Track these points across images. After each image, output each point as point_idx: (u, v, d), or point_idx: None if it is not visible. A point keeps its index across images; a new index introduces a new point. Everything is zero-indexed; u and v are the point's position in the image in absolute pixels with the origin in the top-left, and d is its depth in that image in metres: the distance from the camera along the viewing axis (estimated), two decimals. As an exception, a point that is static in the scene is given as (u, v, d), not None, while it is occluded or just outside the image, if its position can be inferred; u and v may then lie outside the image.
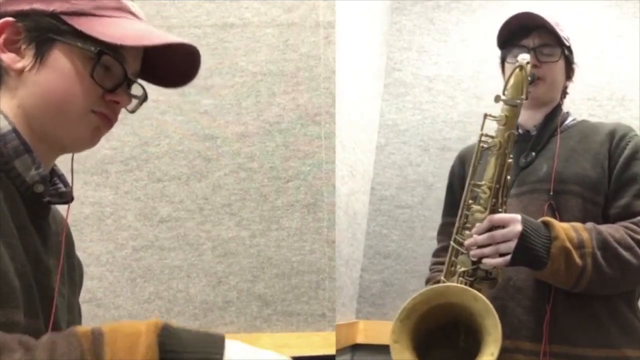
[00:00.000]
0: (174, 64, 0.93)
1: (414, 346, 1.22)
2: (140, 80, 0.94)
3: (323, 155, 2.03)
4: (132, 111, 0.93)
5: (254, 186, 2.01)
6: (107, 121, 0.89)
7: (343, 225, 2.18)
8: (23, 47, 0.83)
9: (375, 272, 2.49)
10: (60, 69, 0.83)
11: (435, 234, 2.53)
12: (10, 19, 0.82)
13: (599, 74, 2.44)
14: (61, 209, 0.97)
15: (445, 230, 1.57)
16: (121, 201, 1.98)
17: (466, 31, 2.62)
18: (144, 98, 0.94)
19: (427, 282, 1.55)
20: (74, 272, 0.99)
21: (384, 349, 2.41)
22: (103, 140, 2.23)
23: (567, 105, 1.57)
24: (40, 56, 0.83)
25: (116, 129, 2.04)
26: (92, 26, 0.84)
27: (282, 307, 1.98)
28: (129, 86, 0.90)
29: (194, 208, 2.00)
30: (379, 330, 2.41)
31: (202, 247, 1.98)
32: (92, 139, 0.90)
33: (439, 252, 1.58)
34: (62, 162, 0.95)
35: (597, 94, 2.43)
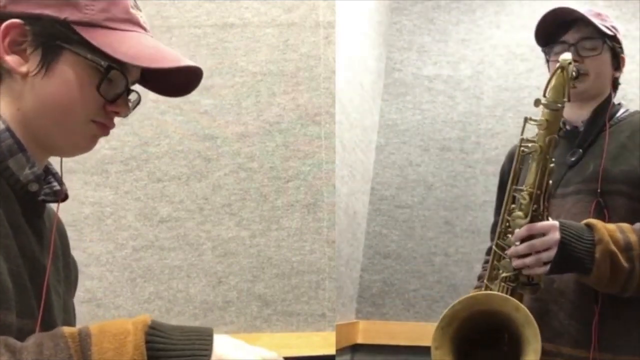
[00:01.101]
0: (176, 77, 0.92)
1: (455, 352, 1.21)
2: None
3: (323, 155, 2.03)
4: (125, 116, 0.93)
5: (254, 186, 2.01)
6: (105, 129, 0.89)
7: (343, 225, 2.18)
8: (28, 50, 0.82)
9: (375, 272, 2.49)
10: (66, 78, 0.83)
11: (435, 233, 2.54)
12: (17, 20, 0.81)
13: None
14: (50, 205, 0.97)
15: (496, 229, 1.55)
16: (121, 201, 1.98)
17: (466, 31, 2.62)
18: (138, 102, 0.94)
19: (479, 279, 1.54)
20: (69, 271, 0.99)
21: (384, 349, 2.42)
22: (103, 141, 2.23)
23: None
24: (46, 63, 0.82)
25: (116, 129, 2.04)
26: (104, 40, 0.83)
27: (282, 307, 1.98)
28: (128, 94, 0.90)
29: (194, 208, 2.00)
30: (378, 330, 2.41)
31: (202, 247, 1.98)
32: (88, 146, 0.89)
33: (490, 251, 1.57)
34: (54, 160, 0.95)
35: (597, 94, 2.43)
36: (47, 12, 0.82)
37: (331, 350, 1.92)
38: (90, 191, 1.97)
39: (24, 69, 0.82)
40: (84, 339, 0.68)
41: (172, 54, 0.88)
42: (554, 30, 1.43)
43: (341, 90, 2.11)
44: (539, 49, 2.13)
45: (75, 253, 1.06)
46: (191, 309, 1.96)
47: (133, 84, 0.91)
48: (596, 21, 1.40)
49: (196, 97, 2.02)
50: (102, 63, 0.83)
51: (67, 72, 0.83)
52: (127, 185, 1.99)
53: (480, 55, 2.62)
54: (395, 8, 2.69)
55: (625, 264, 1.21)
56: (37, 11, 0.82)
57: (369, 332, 2.40)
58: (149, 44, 0.88)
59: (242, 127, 2.03)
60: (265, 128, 2.04)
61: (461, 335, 1.22)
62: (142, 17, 0.90)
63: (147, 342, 0.69)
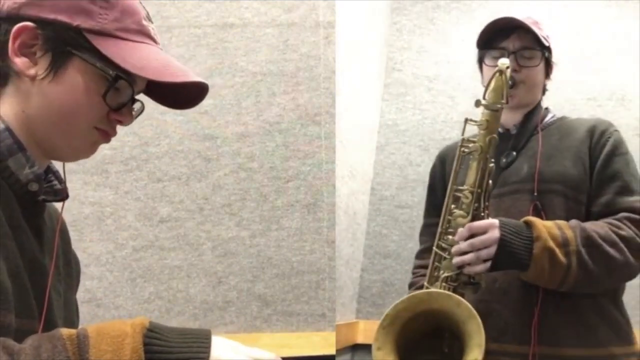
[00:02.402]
0: (179, 91, 0.94)
1: (397, 352, 1.21)
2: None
3: (323, 155, 2.03)
4: (129, 124, 0.94)
5: (254, 186, 2.01)
6: (107, 137, 0.90)
7: (343, 225, 2.18)
8: (38, 54, 0.83)
9: (375, 272, 2.49)
10: (74, 83, 0.83)
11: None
12: (30, 24, 0.82)
13: (599, 74, 2.44)
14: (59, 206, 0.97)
15: (427, 231, 1.57)
16: (121, 201, 1.98)
17: (466, 31, 2.62)
18: (141, 111, 0.96)
19: (410, 287, 1.54)
20: (70, 269, 0.99)
21: (384, 349, 2.41)
22: (103, 140, 2.20)
23: (561, 105, 1.56)
24: (55, 67, 0.83)
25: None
26: (114, 50, 0.84)
27: (282, 307, 1.98)
28: (132, 103, 0.91)
29: (194, 208, 2.00)
30: (379, 330, 2.41)
31: (202, 247, 1.98)
32: (89, 152, 0.90)
33: (421, 254, 1.57)
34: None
35: (597, 94, 2.43)
36: (60, 17, 0.83)
37: (331, 350, 1.92)
38: (90, 191, 1.97)
39: (32, 71, 0.83)
40: (82, 341, 0.68)
41: (180, 69, 0.89)
42: (494, 35, 1.48)
43: (341, 90, 2.11)
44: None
45: (75, 253, 1.07)
46: (191, 309, 1.96)
47: (138, 93, 0.92)
48: (535, 30, 1.44)
49: (196, 97, 2.02)
50: (111, 72, 0.84)
51: (75, 78, 0.83)
52: (127, 185, 1.99)
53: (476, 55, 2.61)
54: (395, 8, 2.69)
55: (563, 259, 1.24)
56: (51, 16, 0.82)
57: (369, 332, 2.40)
58: (159, 57, 0.89)
59: (242, 127, 2.03)
60: (265, 128, 2.04)
61: (404, 335, 1.23)
62: (153, 29, 0.91)
63: (145, 344, 0.69)
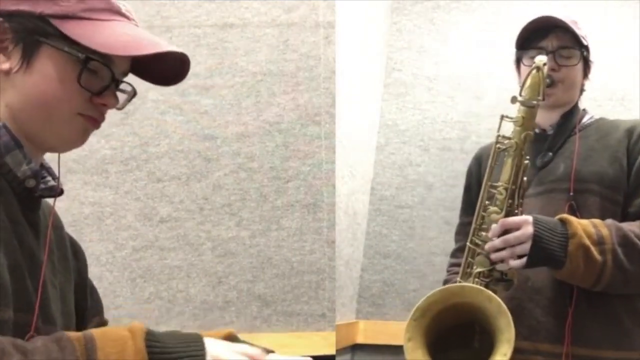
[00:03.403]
0: (164, 65, 0.92)
1: (427, 345, 1.23)
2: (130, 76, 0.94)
3: (323, 155, 2.03)
4: (121, 108, 0.93)
5: (254, 186, 2.01)
6: (95, 123, 0.88)
7: (343, 225, 2.18)
8: (10, 47, 0.83)
9: (375, 272, 2.49)
10: (47, 72, 0.83)
11: (435, 233, 2.53)
12: None
13: (599, 74, 2.43)
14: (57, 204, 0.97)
15: (462, 230, 1.55)
16: (121, 201, 1.98)
17: (466, 31, 2.62)
18: (133, 94, 0.94)
19: (444, 284, 1.54)
20: (67, 263, 0.99)
21: (384, 349, 2.42)
22: (103, 141, 2.24)
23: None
24: (27, 58, 0.82)
25: (116, 129, 2.06)
26: (80, 32, 0.83)
27: (282, 307, 1.98)
28: (117, 85, 0.90)
29: (194, 208, 2.00)
30: (379, 330, 2.41)
31: (202, 247, 1.98)
32: (79, 140, 0.89)
33: (456, 253, 1.57)
34: (50, 157, 0.94)
35: (597, 94, 2.43)
36: (23, 7, 0.82)
37: (331, 350, 1.92)
38: (90, 191, 1.97)
39: (6, 66, 0.82)
40: (89, 342, 0.70)
41: (150, 41, 0.87)
42: (531, 35, 1.47)
43: (341, 90, 2.11)
44: (538, 49, 2.08)
45: (79, 244, 1.07)
46: (191, 309, 1.96)
47: (124, 75, 0.91)
48: (574, 29, 1.43)
49: (196, 97, 2.02)
50: (80, 55, 0.82)
51: (46, 66, 0.83)
52: (127, 185, 1.99)
53: (480, 55, 2.61)
54: (395, 8, 2.69)
55: (598, 256, 1.23)
56: (13, 7, 0.82)
57: (369, 332, 2.40)
58: (128, 32, 0.87)
59: (242, 127, 2.03)
60: (265, 128, 2.04)
61: (434, 327, 1.24)
62: (124, 5, 0.90)
63: (146, 347, 0.71)
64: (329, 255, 2.00)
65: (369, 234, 2.52)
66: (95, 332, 0.72)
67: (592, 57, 1.54)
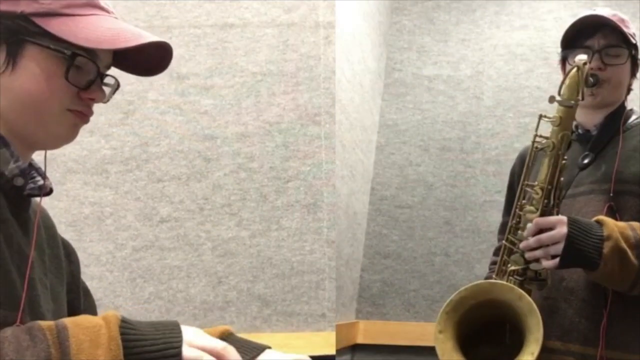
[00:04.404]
0: (146, 56, 0.92)
1: (457, 338, 1.24)
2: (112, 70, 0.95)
3: (323, 156, 2.03)
4: (106, 101, 0.93)
5: (254, 186, 2.01)
6: (84, 117, 0.89)
7: (343, 225, 2.18)
8: None
9: (375, 272, 2.49)
10: (33, 71, 0.83)
11: (435, 233, 2.54)
12: None
13: (599, 74, 2.43)
14: (50, 205, 0.97)
15: (503, 229, 1.52)
16: (121, 201, 1.98)
17: (466, 31, 2.62)
18: (116, 87, 0.94)
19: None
20: (59, 261, 0.99)
21: (384, 349, 2.42)
22: (103, 141, 2.23)
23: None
24: (12, 58, 0.82)
25: (116, 129, 2.06)
26: (63, 28, 0.83)
27: (282, 307, 1.98)
28: (102, 79, 0.91)
29: (194, 208, 2.00)
30: (379, 330, 2.41)
31: (202, 247, 1.98)
32: (70, 135, 0.89)
33: (497, 251, 1.54)
34: (51, 156, 0.95)
35: (597, 94, 2.43)
36: (3, 7, 0.82)
37: (331, 351, 1.92)
38: (90, 191, 1.97)
39: None
40: (61, 331, 0.69)
41: (133, 33, 0.87)
42: (578, 34, 1.43)
43: (341, 90, 2.11)
44: (539, 49, 2.16)
45: (70, 243, 1.07)
46: (191, 309, 1.96)
47: (107, 68, 0.91)
48: (622, 28, 1.40)
49: (196, 97, 2.02)
50: (66, 51, 0.83)
51: (32, 65, 0.83)
52: (127, 185, 1.99)
53: (480, 55, 2.61)
54: (395, 8, 2.69)
55: (635, 261, 1.20)
56: None
57: (369, 332, 2.40)
58: (110, 26, 0.87)
59: (242, 127, 2.03)
60: (265, 128, 2.04)
61: (465, 321, 1.24)
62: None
63: (121, 334, 0.70)
64: (329, 255, 2.00)
65: (369, 234, 2.52)
66: (68, 320, 0.71)
67: None
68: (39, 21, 0.83)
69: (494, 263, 1.55)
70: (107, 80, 0.92)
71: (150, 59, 0.93)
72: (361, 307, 2.47)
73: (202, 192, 2.00)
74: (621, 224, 1.25)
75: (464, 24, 2.63)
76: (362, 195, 2.47)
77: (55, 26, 0.83)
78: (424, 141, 2.56)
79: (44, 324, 0.70)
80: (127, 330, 0.71)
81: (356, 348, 2.39)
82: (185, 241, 1.98)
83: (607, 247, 1.20)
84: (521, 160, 1.55)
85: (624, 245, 1.20)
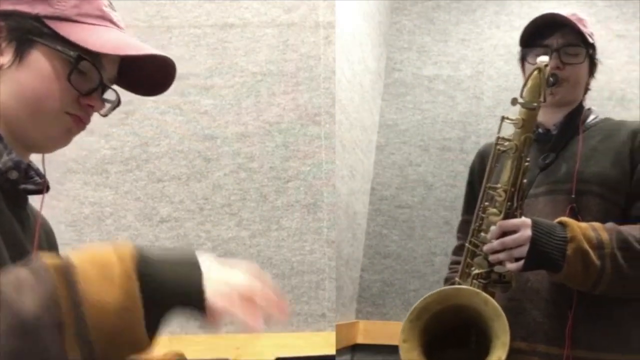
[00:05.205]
0: (149, 74, 0.95)
1: (423, 346, 1.22)
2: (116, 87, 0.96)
3: (323, 156, 2.03)
4: (104, 115, 0.95)
5: (254, 186, 2.01)
6: (80, 123, 0.90)
7: (343, 225, 2.18)
8: (3, 44, 0.85)
9: (375, 272, 2.49)
10: (38, 69, 0.85)
11: (435, 233, 2.54)
12: None
13: (599, 74, 2.43)
14: (50, 205, 0.96)
15: (464, 228, 1.54)
16: (121, 201, 1.98)
17: (466, 31, 2.62)
18: (117, 103, 0.96)
19: (445, 282, 1.54)
20: None
21: (384, 349, 2.42)
22: (103, 141, 2.23)
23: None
24: (19, 55, 0.85)
25: (116, 129, 2.05)
26: (72, 32, 0.86)
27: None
28: (103, 91, 0.93)
29: (194, 208, 2.00)
30: (379, 330, 2.41)
31: (202, 247, 1.98)
32: (63, 140, 0.91)
33: (458, 251, 1.56)
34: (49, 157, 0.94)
35: (597, 94, 2.42)
36: (20, 8, 0.86)
37: (331, 350, 1.92)
38: (90, 191, 1.97)
39: None
40: (68, 268, 0.65)
41: (138, 45, 0.90)
42: (537, 33, 1.44)
43: (341, 90, 2.11)
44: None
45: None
46: (191, 309, 1.96)
47: (111, 82, 0.93)
48: (580, 27, 1.41)
49: (196, 97, 2.02)
50: (72, 53, 0.85)
51: (39, 63, 0.85)
52: (127, 185, 1.99)
53: (480, 55, 2.61)
54: (395, 8, 2.69)
55: (597, 261, 1.21)
56: (11, 7, 0.85)
57: (369, 332, 2.40)
58: (119, 37, 0.91)
59: (242, 127, 2.03)
60: (265, 128, 2.04)
61: (430, 329, 1.23)
62: (116, 16, 0.94)
63: (136, 271, 0.66)
64: (329, 255, 2.00)
65: (369, 234, 2.52)
66: (76, 255, 0.66)
67: (626, 50, 1.51)
68: (51, 24, 0.86)
69: (453, 263, 1.56)
70: (108, 95, 0.94)
71: (153, 77, 0.95)
72: (361, 307, 2.47)
73: (202, 192, 2.00)
74: (583, 224, 1.26)
75: (464, 24, 2.63)
76: (362, 195, 2.47)
77: (65, 30, 0.86)
78: (424, 141, 2.56)
79: (50, 261, 0.65)
80: (143, 269, 0.67)
81: (356, 348, 2.39)
82: (185, 241, 1.98)
83: (570, 248, 1.21)
84: (480, 159, 1.57)
85: (586, 246, 1.21)
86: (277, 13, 2.08)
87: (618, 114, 2.38)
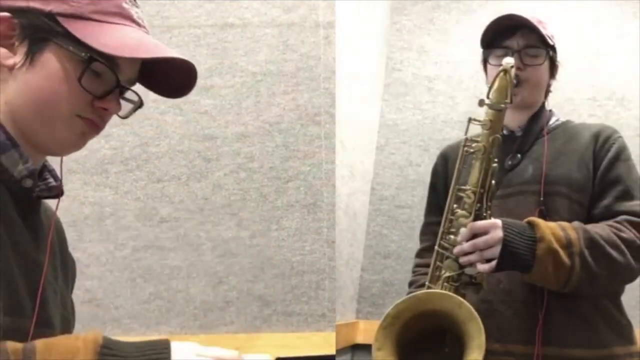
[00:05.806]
0: (171, 75, 0.92)
1: (398, 352, 1.21)
2: (138, 86, 0.93)
3: (323, 156, 2.03)
4: (124, 117, 0.92)
5: (254, 186, 2.01)
6: (95, 127, 0.87)
7: (343, 225, 2.18)
8: (16, 43, 0.82)
9: (375, 272, 2.49)
10: (49, 70, 0.82)
11: (435, 234, 2.53)
12: (5, 14, 0.81)
13: (599, 74, 2.44)
14: (49, 205, 0.96)
15: (428, 230, 1.56)
16: (121, 201, 1.98)
17: (466, 31, 2.62)
18: (139, 104, 0.93)
19: (410, 285, 1.54)
20: (67, 269, 0.98)
21: (384, 349, 2.41)
22: (103, 141, 2.23)
23: (560, 105, 1.55)
24: (31, 55, 0.82)
25: (116, 129, 2.06)
26: (87, 32, 0.82)
27: (282, 307, 1.98)
28: (121, 93, 0.89)
29: (194, 208, 2.00)
30: (379, 330, 2.40)
31: (202, 247, 1.98)
32: (77, 144, 0.87)
33: (423, 253, 1.56)
34: (53, 159, 0.94)
35: (597, 94, 2.43)
36: (33, 4, 0.82)
37: (331, 350, 1.92)
38: (90, 191, 1.97)
39: (11, 61, 0.82)
40: (27, 356, 0.66)
41: (156, 46, 0.86)
42: (498, 34, 1.46)
43: (341, 90, 2.11)
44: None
45: (75, 253, 1.06)
46: (191, 309, 1.96)
47: (130, 83, 0.90)
48: (540, 29, 1.42)
49: (196, 97, 2.02)
50: (83, 54, 0.82)
51: (51, 63, 0.82)
52: (127, 185, 1.99)
53: (480, 55, 2.61)
54: (395, 8, 2.69)
55: (567, 260, 1.24)
56: (24, 4, 0.81)
57: (369, 332, 2.40)
58: (136, 37, 0.86)
59: (242, 127, 2.03)
60: (265, 128, 2.04)
61: (404, 335, 1.22)
62: (136, 12, 0.89)
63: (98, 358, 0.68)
64: (329, 255, 2.00)
65: (369, 234, 2.52)
66: (40, 343, 0.68)
67: (576, 59, 1.52)
68: (65, 22, 0.82)
69: (418, 266, 1.56)
70: (129, 95, 0.91)
71: (176, 80, 0.92)
72: (361, 307, 2.47)
73: (202, 192, 2.00)
74: (552, 224, 1.28)
75: (464, 24, 2.63)
76: (362, 195, 2.47)
77: (79, 29, 0.82)
78: (424, 141, 2.56)
79: (11, 346, 0.67)
80: (107, 357, 0.68)
81: (356, 348, 2.39)
82: (185, 241, 1.98)
83: (540, 248, 1.23)
84: (443, 160, 1.57)
85: (556, 245, 1.24)
86: (277, 13, 2.08)
87: (618, 114, 2.39)
